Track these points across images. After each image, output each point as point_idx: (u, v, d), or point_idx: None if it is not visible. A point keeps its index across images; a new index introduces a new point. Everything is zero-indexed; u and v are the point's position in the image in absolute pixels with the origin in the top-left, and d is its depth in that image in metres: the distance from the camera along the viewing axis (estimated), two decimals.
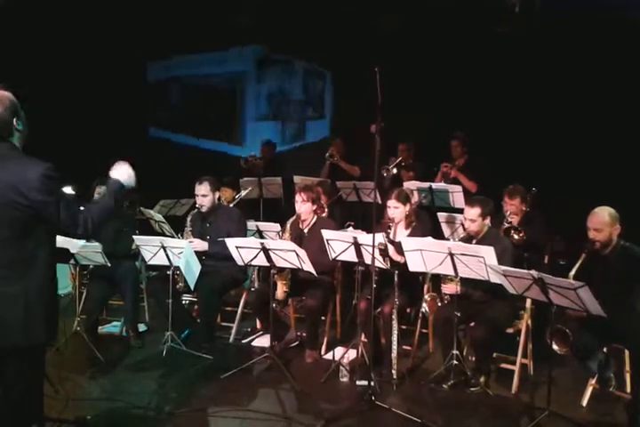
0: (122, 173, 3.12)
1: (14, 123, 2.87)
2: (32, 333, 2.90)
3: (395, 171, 6.95)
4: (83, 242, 4.76)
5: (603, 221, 4.18)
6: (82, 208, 2.98)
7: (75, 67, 8.20)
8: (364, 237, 4.53)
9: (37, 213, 2.82)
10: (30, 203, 2.79)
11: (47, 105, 7.81)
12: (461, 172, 6.79)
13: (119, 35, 8.30)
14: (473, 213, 4.64)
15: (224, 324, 5.74)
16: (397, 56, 7.82)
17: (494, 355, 4.75)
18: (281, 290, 5.00)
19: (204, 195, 5.35)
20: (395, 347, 4.66)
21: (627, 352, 4.29)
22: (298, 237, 5.17)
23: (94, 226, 2.96)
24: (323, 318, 5.26)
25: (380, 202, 5.51)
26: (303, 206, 5.18)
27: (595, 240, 4.19)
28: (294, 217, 5.20)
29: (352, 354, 4.78)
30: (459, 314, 4.43)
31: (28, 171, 2.79)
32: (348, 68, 8.60)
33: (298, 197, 5.21)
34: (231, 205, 6.17)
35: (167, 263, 4.97)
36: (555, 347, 4.00)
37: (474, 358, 4.72)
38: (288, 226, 5.17)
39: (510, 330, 4.68)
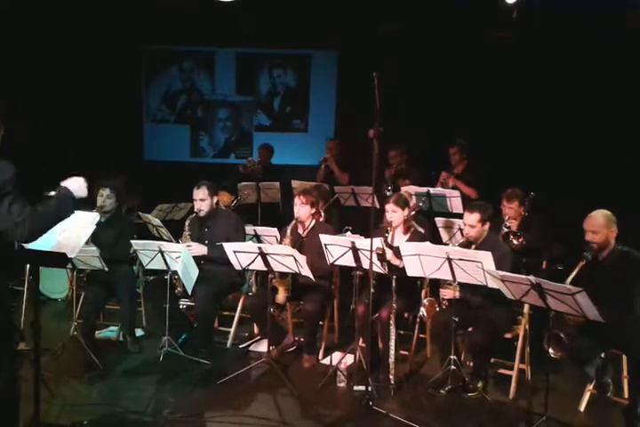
0: (72, 183, 3.16)
1: None
2: None
3: (392, 186, 6.99)
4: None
5: (599, 223, 4.19)
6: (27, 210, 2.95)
7: (70, 61, 8.19)
8: (361, 242, 4.53)
9: None
10: None
11: (45, 106, 7.84)
12: (460, 179, 6.79)
13: (116, 27, 8.27)
14: (472, 218, 4.64)
15: (221, 328, 5.72)
16: (397, 60, 7.85)
17: (492, 360, 4.76)
18: (282, 294, 5.00)
19: (201, 199, 5.34)
20: (392, 352, 4.65)
21: (624, 358, 4.30)
22: (297, 243, 5.17)
23: (28, 232, 2.95)
24: (320, 322, 5.25)
25: (377, 206, 5.51)
26: (302, 209, 5.18)
27: (591, 242, 4.20)
28: (294, 221, 5.20)
29: (350, 359, 4.78)
30: (457, 319, 4.43)
31: None
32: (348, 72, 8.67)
33: (297, 200, 5.21)
34: (229, 210, 6.18)
35: (165, 268, 4.96)
36: (550, 351, 4.00)
37: (471, 364, 4.71)
38: (288, 231, 5.17)
39: (508, 335, 4.68)
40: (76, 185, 3.16)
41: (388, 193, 6.82)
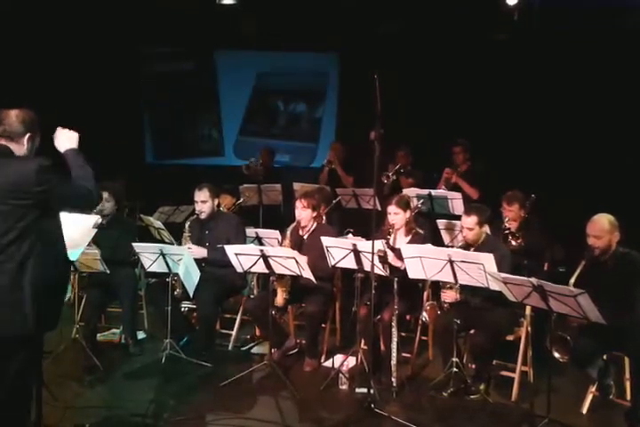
0: (64, 140, 3.16)
1: (26, 135, 3.01)
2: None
3: (394, 177, 6.95)
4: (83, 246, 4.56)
5: (602, 228, 4.19)
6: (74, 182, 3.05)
7: (69, 62, 8.21)
8: (363, 244, 4.52)
9: (43, 202, 2.91)
10: (32, 195, 2.88)
11: (46, 106, 7.81)
12: (463, 178, 6.79)
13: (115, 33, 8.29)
14: (470, 221, 4.64)
15: (223, 331, 5.71)
16: (397, 62, 7.85)
17: (494, 362, 4.74)
18: (281, 296, 4.99)
19: (203, 201, 5.35)
20: (394, 354, 4.65)
21: (626, 360, 4.29)
22: (297, 244, 5.16)
23: (96, 192, 3.09)
24: (322, 325, 5.25)
25: (379, 209, 5.50)
26: (303, 213, 5.18)
27: (594, 247, 4.20)
28: (294, 224, 5.20)
29: (351, 361, 4.77)
30: (458, 321, 4.42)
31: (23, 167, 2.91)
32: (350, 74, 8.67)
33: (298, 204, 5.21)
34: (231, 212, 6.17)
35: (166, 270, 4.96)
36: (556, 355, 3.99)
37: (474, 366, 4.70)
38: (288, 233, 5.16)
39: (510, 337, 4.67)
40: (71, 140, 3.17)
41: (385, 180, 6.76)
